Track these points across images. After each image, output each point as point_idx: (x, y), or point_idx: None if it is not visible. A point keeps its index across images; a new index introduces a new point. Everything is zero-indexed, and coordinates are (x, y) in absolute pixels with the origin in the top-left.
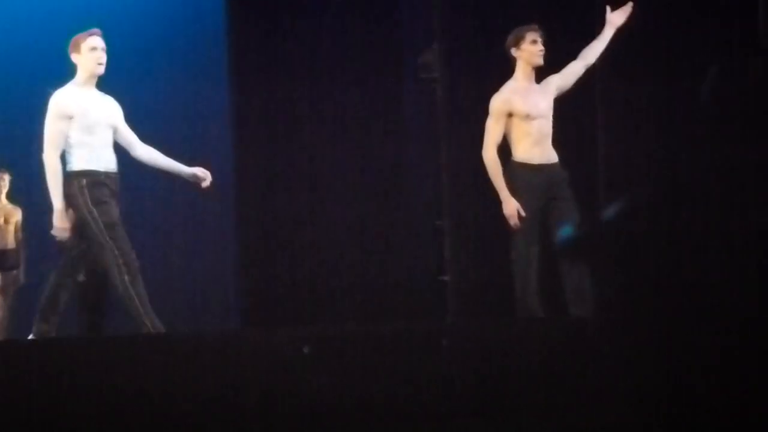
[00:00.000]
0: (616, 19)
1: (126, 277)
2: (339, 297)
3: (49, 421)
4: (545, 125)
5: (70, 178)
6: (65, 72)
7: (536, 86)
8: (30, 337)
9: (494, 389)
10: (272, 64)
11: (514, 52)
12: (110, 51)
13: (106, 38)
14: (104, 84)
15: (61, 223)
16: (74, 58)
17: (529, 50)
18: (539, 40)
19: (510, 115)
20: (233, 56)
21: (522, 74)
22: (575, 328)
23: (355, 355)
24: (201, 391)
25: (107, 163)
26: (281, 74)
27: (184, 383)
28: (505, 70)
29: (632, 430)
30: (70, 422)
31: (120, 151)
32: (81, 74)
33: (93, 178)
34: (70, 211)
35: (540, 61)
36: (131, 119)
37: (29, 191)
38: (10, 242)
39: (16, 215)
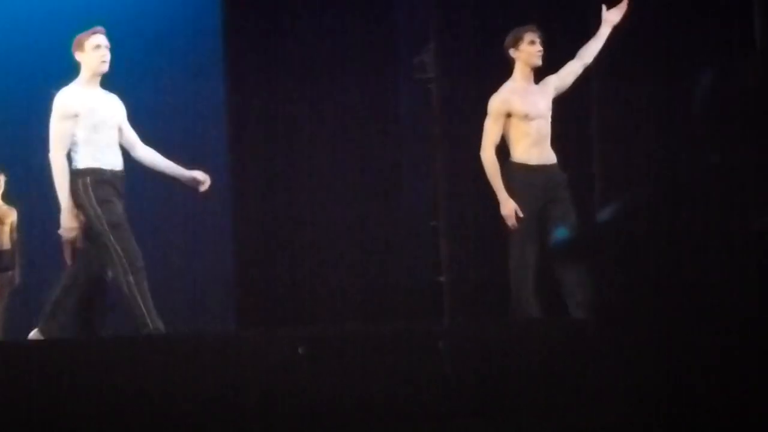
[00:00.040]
0: (612, 16)
1: (130, 278)
2: (336, 297)
3: (48, 421)
4: (544, 126)
5: (74, 176)
6: (60, 72)
7: (535, 87)
8: (34, 332)
9: (493, 389)
10: (267, 65)
11: (512, 52)
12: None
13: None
14: (102, 84)
15: (69, 222)
16: (78, 56)
17: (528, 51)
18: (538, 40)
19: (509, 115)
20: (229, 57)
21: (520, 75)
22: (573, 328)
23: (355, 355)
24: (201, 392)
25: (113, 161)
26: (276, 75)
27: (185, 384)
28: (500, 71)
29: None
30: (69, 423)
31: (121, 150)
32: (85, 73)
33: (98, 176)
34: (80, 210)
35: (538, 62)
36: (129, 119)
37: (25, 192)
38: (5, 243)
39: (12, 216)
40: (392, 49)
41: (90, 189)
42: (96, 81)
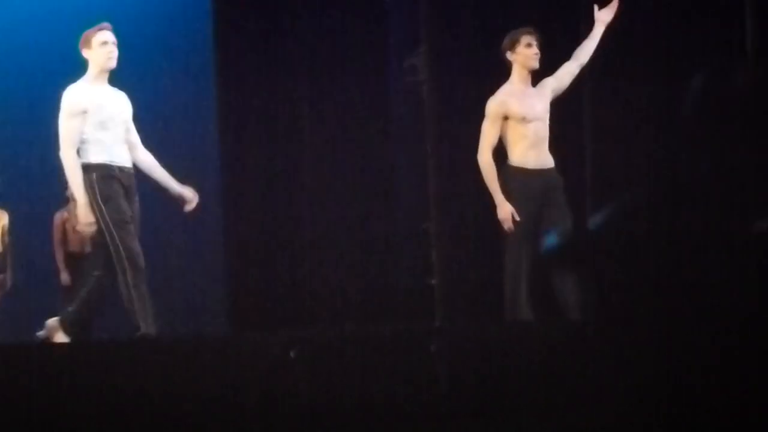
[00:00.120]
0: (604, 16)
1: (129, 278)
2: (333, 298)
3: (48, 422)
4: (542, 128)
5: (82, 172)
6: (58, 72)
7: (532, 89)
8: (53, 320)
9: (490, 390)
10: (259, 67)
11: (509, 55)
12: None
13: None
14: (109, 81)
15: (86, 218)
16: (85, 53)
17: (525, 53)
18: (534, 43)
19: (506, 117)
20: (221, 59)
21: (518, 77)
22: (568, 330)
23: (352, 356)
24: (200, 393)
25: (120, 158)
26: (271, 76)
27: (184, 385)
28: (491, 73)
29: (631, 430)
30: (68, 423)
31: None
32: (92, 69)
33: (104, 172)
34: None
35: (535, 65)
36: None
37: (16, 194)
38: None
39: (3, 219)
40: (383, 52)
41: (95, 185)
42: (104, 77)
